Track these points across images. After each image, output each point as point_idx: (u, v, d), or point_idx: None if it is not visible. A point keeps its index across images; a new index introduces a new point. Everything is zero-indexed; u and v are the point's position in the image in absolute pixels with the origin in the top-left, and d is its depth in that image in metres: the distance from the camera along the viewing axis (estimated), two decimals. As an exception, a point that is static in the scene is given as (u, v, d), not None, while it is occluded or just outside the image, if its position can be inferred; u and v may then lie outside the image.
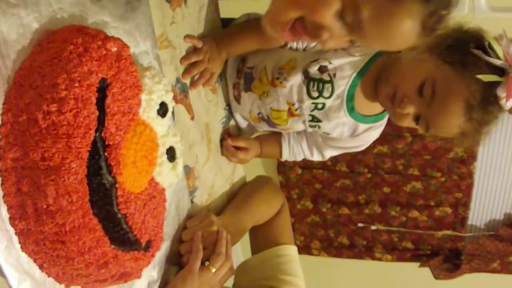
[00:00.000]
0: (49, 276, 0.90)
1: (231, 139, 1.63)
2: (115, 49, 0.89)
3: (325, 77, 1.46)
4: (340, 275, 3.91)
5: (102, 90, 0.86)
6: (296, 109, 1.53)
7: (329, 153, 1.70)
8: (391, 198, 3.63)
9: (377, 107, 1.53)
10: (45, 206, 0.80)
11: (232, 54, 1.54)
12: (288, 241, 1.66)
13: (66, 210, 0.81)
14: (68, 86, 0.80)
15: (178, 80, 1.33)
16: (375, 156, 3.50)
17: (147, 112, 1.00)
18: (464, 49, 1.32)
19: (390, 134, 3.39)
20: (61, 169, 0.79)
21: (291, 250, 1.63)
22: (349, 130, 1.57)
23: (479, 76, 1.27)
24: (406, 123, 1.41)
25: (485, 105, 1.29)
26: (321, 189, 3.71)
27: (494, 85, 1.28)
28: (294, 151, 1.73)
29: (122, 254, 0.95)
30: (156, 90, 1.01)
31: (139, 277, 1.03)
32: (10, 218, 0.83)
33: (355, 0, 1.11)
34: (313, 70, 1.46)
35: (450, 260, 3.75)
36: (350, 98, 1.48)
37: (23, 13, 0.83)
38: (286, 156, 1.74)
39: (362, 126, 1.56)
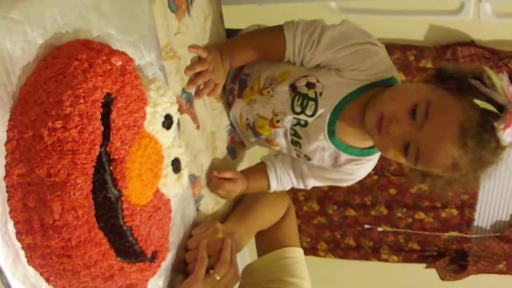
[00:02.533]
0: (55, 289, 0.91)
1: (216, 171, 1.55)
2: (120, 63, 0.89)
3: (311, 94, 1.41)
4: (346, 276, 3.91)
5: (107, 105, 0.87)
6: (278, 121, 1.49)
7: (312, 183, 1.65)
8: (397, 200, 3.64)
9: (363, 141, 1.47)
10: (51, 221, 0.81)
11: (235, 64, 1.52)
12: (294, 243, 1.66)
13: (72, 225, 0.81)
14: (73, 102, 0.80)
15: (183, 90, 1.34)
16: (381, 158, 3.49)
17: (152, 124, 1.00)
18: (462, 78, 1.27)
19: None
20: (66, 185, 0.80)
21: (297, 252, 1.63)
22: (330, 158, 1.51)
23: (477, 101, 1.22)
24: (392, 152, 1.31)
25: (481, 133, 1.21)
26: (327, 191, 3.72)
27: (491, 115, 1.21)
28: (282, 180, 1.66)
29: (128, 266, 0.95)
30: (161, 103, 1.01)
31: (145, 288, 1.03)
32: (17, 233, 0.83)
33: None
34: (301, 84, 1.43)
35: (456, 262, 3.75)
36: (332, 122, 1.43)
37: (28, 29, 0.83)
38: (275, 187, 1.67)
39: (344, 156, 1.49)
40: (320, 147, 1.48)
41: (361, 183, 3.57)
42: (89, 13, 0.95)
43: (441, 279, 3.81)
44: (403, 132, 1.26)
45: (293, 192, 3.72)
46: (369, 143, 1.46)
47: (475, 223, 3.68)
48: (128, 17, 1.06)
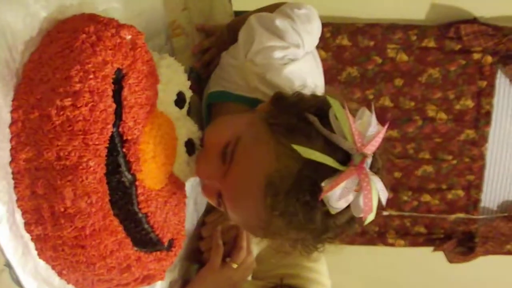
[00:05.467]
0: (68, 283, 0.85)
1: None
2: (130, 36, 0.83)
3: None
4: (353, 262, 3.85)
5: (118, 81, 0.80)
6: None
7: None
8: (402, 183, 3.59)
9: None
10: (62, 209, 0.74)
11: None
12: None
13: (85, 212, 0.75)
14: (82, 78, 0.73)
15: (192, 69, 1.28)
16: (385, 141, 3.45)
17: (164, 103, 0.94)
18: (299, 112, 0.96)
19: (400, 118, 3.35)
20: (78, 168, 0.73)
21: None
22: None
23: (298, 148, 0.87)
24: (207, 195, 1.07)
25: (295, 192, 0.89)
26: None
27: (322, 170, 0.88)
28: None
29: (145, 255, 0.89)
30: (173, 80, 0.96)
31: (162, 278, 0.97)
32: (25, 224, 0.77)
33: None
34: None
35: (464, 243, 3.72)
36: None
37: (30, 1, 0.77)
38: None
39: None
40: None
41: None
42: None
43: (449, 261, 3.77)
44: (210, 180, 1.03)
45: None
46: None
47: (482, 204, 3.65)
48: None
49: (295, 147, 0.87)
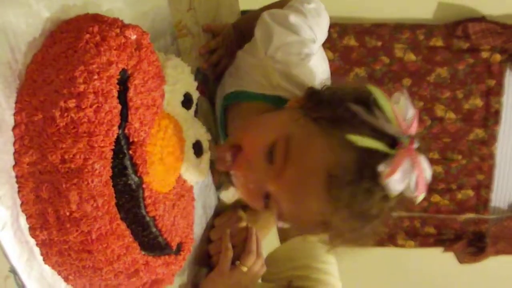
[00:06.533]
0: (75, 289, 0.83)
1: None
2: (135, 36, 0.81)
3: None
4: (363, 264, 3.85)
5: (123, 82, 0.79)
6: None
7: None
8: (411, 183, 3.57)
9: None
10: (68, 213, 0.72)
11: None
12: None
13: (91, 216, 0.73)
14: (86, 79, 0.72)
15: (199, 70, 1.26)
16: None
17: (171, 104, 0.93)
18: (339, 103, 0.96)
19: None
20: (83, 171, 0.72)
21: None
22: None
23: (352, 137, 0.89)
24: (252, 199, 1.05)
25: (357, 181, 0.90)
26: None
27: (375, 156, 0.90)
28: None
29: (153, 260, 0.88)
30: (179, 81, 0.94)
31: (171, 283, 0.96)
32: (30, 229, 0.75)
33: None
34: None
35: (474, 244, 3.71)
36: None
37: (32, 1, 0.75)
38: None
39: None
40: None
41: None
42: (97, -16, 0.87)
43: (460, 262, 3.76)
44: (257, 182, 1.00)
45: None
46: None
47: (492, 204, 3.63)
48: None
49: (349, 136, 0.89)
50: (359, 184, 0.90)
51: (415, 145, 0.90)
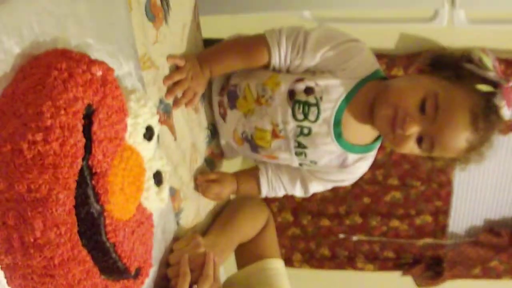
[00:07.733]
0: (37, 311, 0.87)
1: (201, 175, 1.56)
2: (100, 73, 0.86)
3: (311, 100, 1.40)
4: (322, 286, 3.89)
5: (88, 116, 0.83)
6: (280, 131, 1.46)
7: (314, 188, 1.61)
8: (371, 208, 3.62)
9: (366, 137, 1.48)
10: (32, 240, 0.76)
11: (215, 73, 1.49)
12: (274, 255, 1.63)
13: (54, 243, 0.78)
14: (53, 114, 0.76)
15: (161, 101, 1.30)
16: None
17: (133, 136, 0.97)
18: (456, 65, 1.35)
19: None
20: (48, 200, 0.76)
21: (277, 264, 1.61)
22: (338, 160, 1.49)
23: (480, 86, 1.33)
24: (407, 147, 1.35)
25: (488, 114, 1.30)
26: (301, 202, 3.69)
27: (491, 95, 1.31)
28: (273, 185, 1.64)
29: (112, 284, 0.92)
30: (141, 114, 0.98)
31: (129, 306, 0.99)
32: (-5, 253, 0.79)
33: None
34: (299, 90, 1.40)
35: (432, 268, 3.75)
36: (338, 123, 1.41)
37: (4, 38, 0.79)
38: (265, 191, 1.66)
39: (352, 157, 1.48)
40: (328, 151, 1.47)
41: (334, 192, 3.59)
42: (67, 22, 0.91)
43: (417, 286, 3.80)
44: (417, 129, 1.31)
45: (267, 203, 3.68)
46: (370, 138, 1.49)
47: (450, 229, 3.68)
48: (106, 25, 1.03)
49: (479, 86, 1.34)
50: (490, 114, 1.30)
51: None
